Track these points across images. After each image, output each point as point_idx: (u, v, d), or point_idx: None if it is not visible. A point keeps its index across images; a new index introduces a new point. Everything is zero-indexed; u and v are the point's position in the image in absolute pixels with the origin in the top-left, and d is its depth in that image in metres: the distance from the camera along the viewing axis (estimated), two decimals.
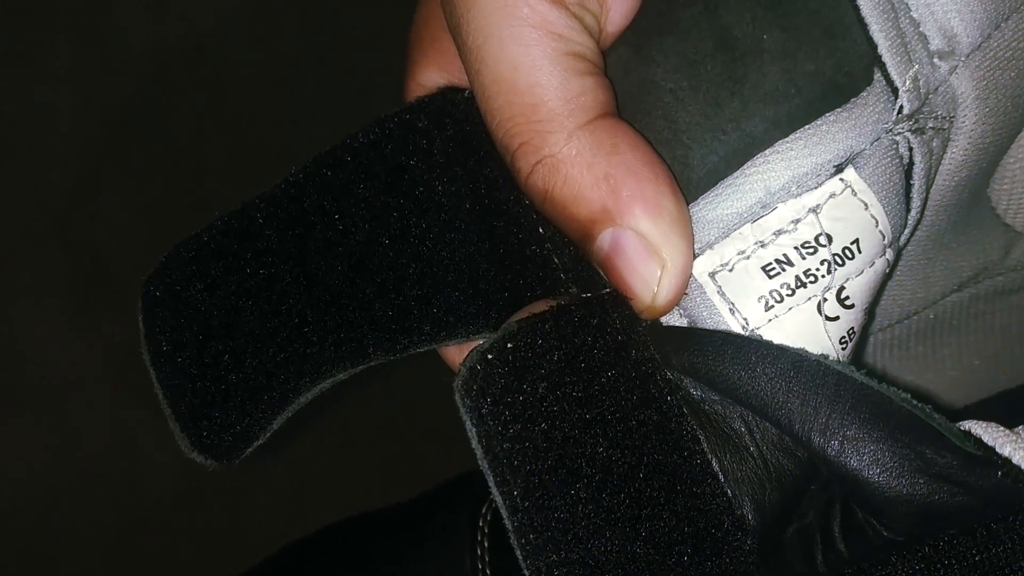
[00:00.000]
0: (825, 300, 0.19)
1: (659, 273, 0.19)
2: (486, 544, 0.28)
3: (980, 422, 0.19)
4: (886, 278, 0.20)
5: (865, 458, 0.19)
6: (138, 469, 0.64)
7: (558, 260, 0.20)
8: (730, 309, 0.19)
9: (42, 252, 0.63)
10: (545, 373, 0.18)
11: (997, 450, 0.18)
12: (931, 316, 0.26)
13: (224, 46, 0.66)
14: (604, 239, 0.18)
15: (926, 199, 0.20)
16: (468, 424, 0.18)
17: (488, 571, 0.27)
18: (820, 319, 0.19)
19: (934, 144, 0.19)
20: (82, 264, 0.63)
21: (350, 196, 0.21)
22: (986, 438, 0.18)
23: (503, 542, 0.28)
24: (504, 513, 0.18)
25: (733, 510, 0.20)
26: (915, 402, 0.19)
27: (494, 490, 0.18)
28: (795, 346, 0.19)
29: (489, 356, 0.18)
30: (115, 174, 0.64)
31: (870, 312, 0.20)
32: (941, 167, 0.20)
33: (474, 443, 0.18)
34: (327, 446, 0.68)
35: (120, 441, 0.64)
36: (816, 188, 0.18)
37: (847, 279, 0.19)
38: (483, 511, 0.29)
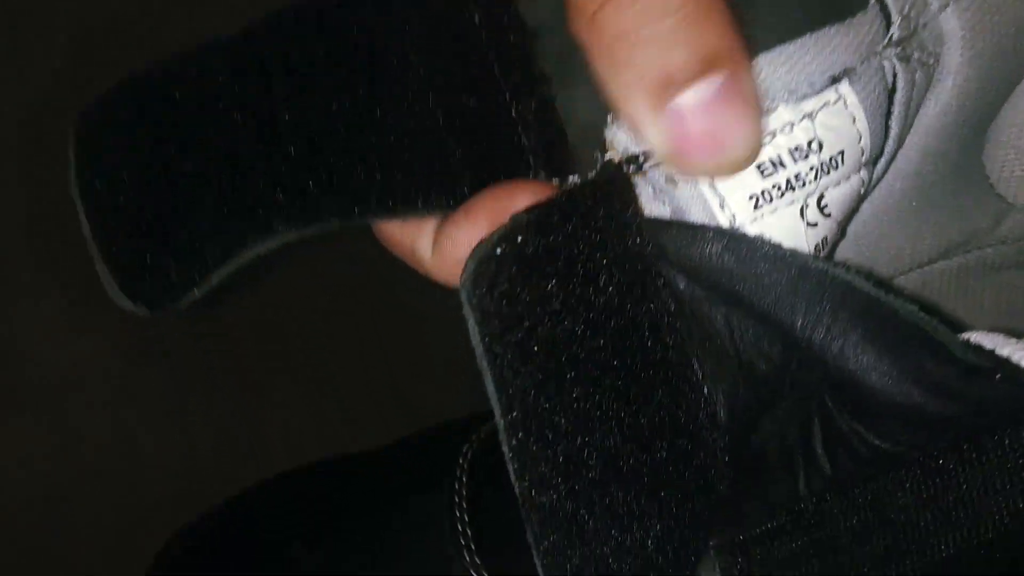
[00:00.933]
0: (807, 206, 0.19)
1: (759, 127, 0.18)
2: (464, 480, 0.28)
3: (985, 332, 0.19)
4: (860, 198, 0.21)
5: (864, 363, 0.19)
6: (138, 469, 0.64)
7: (527, 142, 0.20)
8: (720, 204, 0.19)
9: (42, 252, 0.63)
10: (552, 270, 0.18)
11: (997, 351, 0.18)
12: (920, 283, 0.26)
13: None
14: (713, 81, 0.17)
15: (903, 134, 0.20)
16: (471, 321, 0.17)
17: (464, 505, 0.27)
18: (802, 224, 0.20)
19: (917, 76, 0.20)
20: (82, 264, 0.63)
21: (315, 53, 0.20)
22: (987, 344, 0.19)
23: (480, 478, 0.28)
24: (497, 412, 0.18)
25: (708, 408, 0.20)
26: (921, 314, 0.19)
27: (489, 387, 0.18)
28: None
29: (499, 251, 0.17)
30: None
31: (843, 229, 0.21)
32: (927, 108, 0.21)
33: (475, 340, 0.18)
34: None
35: (120, 441, 0.64)
36: (813, 95, 0.19)
37: (827, 188, 0.20)
38: (464, 450, 0.29)
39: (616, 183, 0.19)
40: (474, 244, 0.18)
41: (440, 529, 0.27)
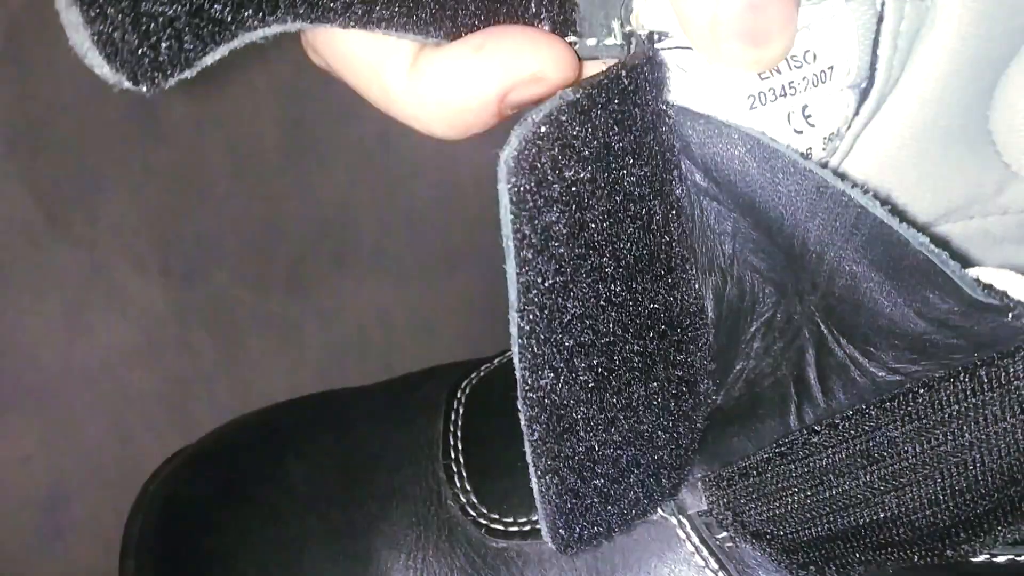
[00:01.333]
0: (792, 113, 0.20)
1: (795, 29, 0.18)
2: (460, 411, 0.28)
3: (992, 268, 0.19)
4: (847, 122, 0.21)
5: (871, 287, 0.19)
6: (138, 469, 0.64)
7: None
8: (720, 97, 0.20)
9: (42, 252, 0.63)
10: (588, 154, 0.17)
11: (1010, 293, 0.19)
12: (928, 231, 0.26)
13: None
14: None
15: (895, 71, 0.21)
16: (505, 200, 0.17)
17: (459, 433, 0.27)
18: (789, 129, 0.20)
19: (907, 8, 0.20)
20: (82, 264, 0.63)
21: None
22: (998, 283, 0.19)
23: (476, 408, 0.28)
24: (512, 293, 0.18)
25: (698, 302, 0.20)
26: (932, 247, 0.19)
27: (510, 268, 0.18)
28: None
29: (540, 129, 0.17)
30: (115, 174, 0.64)
31: (826, 145, 0.21)
32: (925, 51, 0.21)
33: (504, 219, 0.17)
34: None
35: (120, 441, 0.64)
36: (812, 7, 0.19)
37: (813, 100, 0.20)
38: (463, 384, 0.29)
39: (654, 66, 0.19)
40: (470, 75, 0.18)
41: (432, 453, 0.27)
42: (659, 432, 0.21)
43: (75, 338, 0.63)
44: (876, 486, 0.21)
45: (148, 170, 0.64)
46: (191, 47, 0.17)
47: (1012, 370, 0.19)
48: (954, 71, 0.21)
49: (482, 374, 0.29)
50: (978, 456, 0.20)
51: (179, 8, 0.17)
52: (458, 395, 0.28)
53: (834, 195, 0.19)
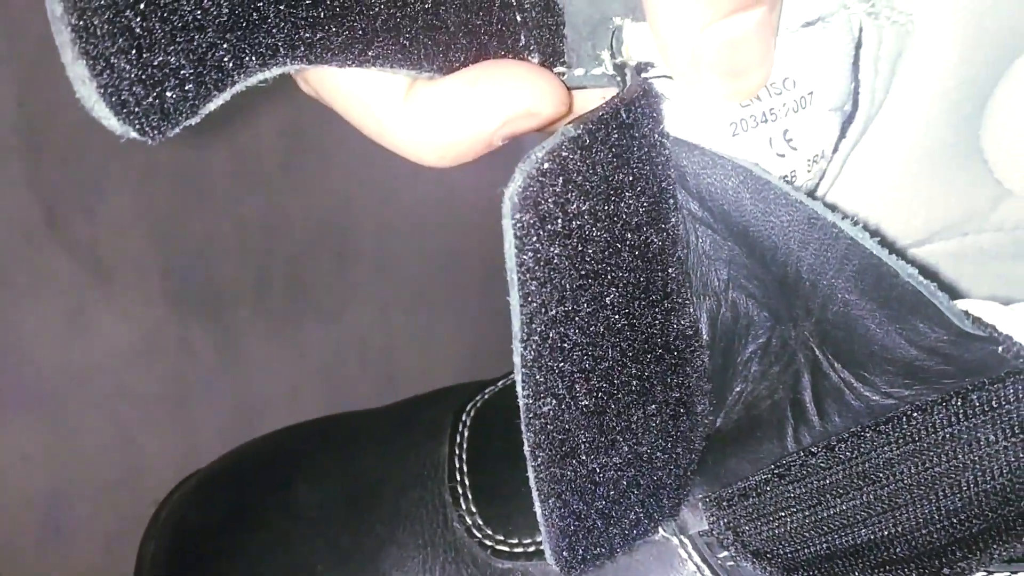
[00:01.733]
0: (774, 138, 0.20)
1: (772, 63, 0.19)
2: (466, 434, 0.28)
3: (978, 300, 0.20)
4: (832, 145, 0.22)
5: (863, 316, 0.20)
6: (138, 469, 0.64)
7: (520, 17, 0.19)
8: (703, 123, 0.20)
9: (42, 252, 0.63)
10: (588, 188, 0.18)
11: (998, 327, 0.19)
12: (916, 259, 0.27)
13: None
14: (756, 14, 0.18)
15: (879, 93, 0.21)
16: (509, 234, 0.17)
17: (464, 456, 0.28)
18: (771, 152, 0.21)
19: (885, 33, 0.20)
20: (82, 264, 0.63)
21: None
22: (986, 316, 0.19)
23: (481, 431, 0.28)
24: (516, 323, 0.18)
25: (694, 324, 0.21)
26: (920, 278, 0.19)
27: (513, 298, 0.18)
28: None
29: (544, 165, 0.17)
30: (115, 174, 0.64)
31: (811, 167, 0.22)
32: (911, 70, 0.21)
33: (508, 251, 0.18)
34: None
35: (120, 441, 0.64)
36: (790, 36, 0.19)
37: (794, 125, 0.20)
38: (468, 407, 0.29)
39: (650, 99, 0.19)
40: (462, 107, 0.18)
41: (438, 476, 0.28)
42: (658, 453, 0.22)
43: (75, 338, 0.63)
44: (873, 506, 0.21)
45: (148, 170, 0.64)
46: (195, 95, 0.17)
47: (1002, 394, 0.19)
48: (941, 92, 0.22)
49: (486, 397, 0.30)
50: (971, 477, 0.20)
51: (183, 58, 0.17)
52: (463, 418, 0.29)
53: (825, 227, 0.19)
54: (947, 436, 0.20)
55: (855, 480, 0.21)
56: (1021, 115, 0.23)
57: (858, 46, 0.20)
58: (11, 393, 0.62)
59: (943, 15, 0.21)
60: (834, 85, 0.20)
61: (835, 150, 0.21)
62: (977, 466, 0.20)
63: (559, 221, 0.18)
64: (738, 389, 0.23)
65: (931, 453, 0.21)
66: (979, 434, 0.20)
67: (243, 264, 0.67)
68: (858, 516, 0.21)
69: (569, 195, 0.18)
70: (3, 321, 0.62)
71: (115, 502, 0.63)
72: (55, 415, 0.63)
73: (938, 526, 0.21)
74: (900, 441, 0.21)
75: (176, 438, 0.65)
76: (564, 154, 0.17)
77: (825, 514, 0.22)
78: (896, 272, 0.19)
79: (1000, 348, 0.19)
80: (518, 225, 0.17)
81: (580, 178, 0.18)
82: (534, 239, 0.18)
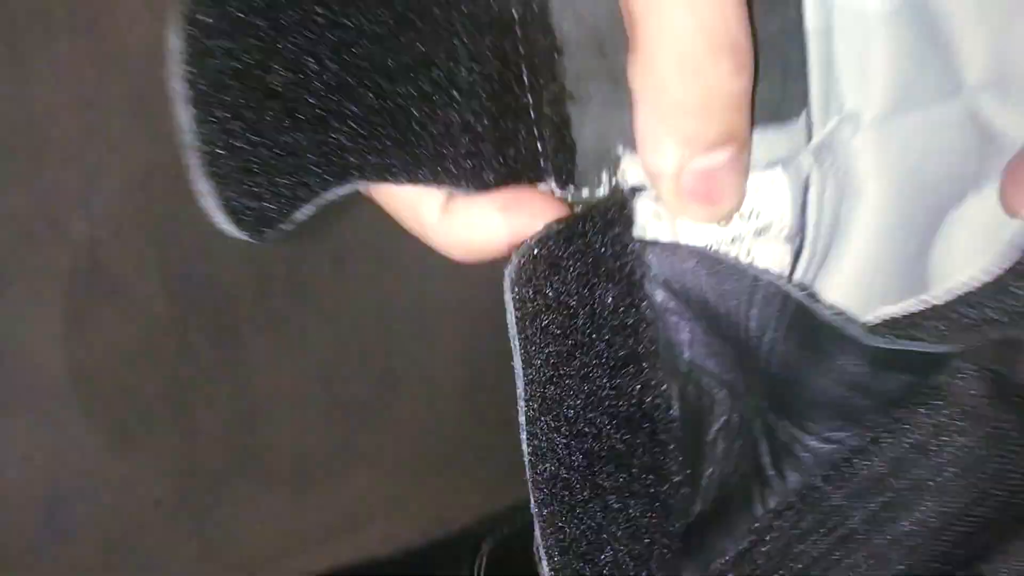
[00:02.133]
0: (739, 257, 0.24)
1: (744, 192, 0.22)
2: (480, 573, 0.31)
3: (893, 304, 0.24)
4: (788, 267, 0.25)
5: (800, 365, 0.23)
6: (138, 469, 0.64)
7: (541, 147, 0.23)
8: (684, 242, 0.24)
9: (41, 252, 0.63)
10: (570, 272, 0.22)
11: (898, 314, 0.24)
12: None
13: None
14: (726, 152, 0.21)
15: (827, 229, 0.25)
16: (510, 305, 0.22)
17: None
18: None
19: (828, 182, 0.24)
20: (82, 264, 0.63)
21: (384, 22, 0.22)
22: (895, 312, 0.24)
23: (495, 569, 0.30)
24: (520, 385, 0.22)
25: (666, 402, 0.24)
26: (834, 314, 0.23)
27: (517, 363, 0.22)
28: None
29: (536, 251, 0.22)
30: (115, 174, 0.64)
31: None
32: (851, 217, 0.25)
33: (510, 320, 0.22)
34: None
35: (120, 441, 0.64)
36: (756, 175, 0.23)
37: (756, 249, 0.24)
38: (482, 549, 0.32)
39: (624, 208, 0.23)
40: (490, 225, 0.23)
41: None
42: (646, 520, 0.24)
43: (75, 338, 0.63)
44: (834, 553, 0.24)
45: (148, 170, 0.64)
46: (288, 208, 0.22)
47: (914, 421, 0.23)
48: (885, 228, 0.25)
49: (498, 537, 0.32)
50: (916, 515, 0.23)
51: (280, 180, 0.22)
52: (476, 563, 0.31)
53: (766, 284, 0.23)
54: (885, 472, 0.23)
55: (818, 529, 0.24)
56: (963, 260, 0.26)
57: (805, 189, 0.24)
58: (11, 393, 0.62)
59: (878, 173, 0.24)
60: (786, 220, 0.24)
61: (789, 279, 0.25)
62: (920, 494, 0.23)
63: (549, 293, 0.22)
64: (709, 472, 0.26)
65: (872, 492, 0.24)
66: (910, 468, 0.23)
67: (243, 264, 0.67)
68: (825, 563, 0.24)
69: (555, 275, 0.22)
70: (3, 321, 0.62)
71: (115, 502, 0.63)
72: (55, 415, 0.63)
73: (892, 560, 0.24)
74: (842, 487, 0.24)
75: (176, 438, 0.65)
76: (549, 242, 0.22)
77: (798, 567, 0.24)
78: (816, 311, 0.23)
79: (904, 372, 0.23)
80: (516, 296, 0.22)
81: (564, 262, 0.22)
82: (529, 308, 0.22)
